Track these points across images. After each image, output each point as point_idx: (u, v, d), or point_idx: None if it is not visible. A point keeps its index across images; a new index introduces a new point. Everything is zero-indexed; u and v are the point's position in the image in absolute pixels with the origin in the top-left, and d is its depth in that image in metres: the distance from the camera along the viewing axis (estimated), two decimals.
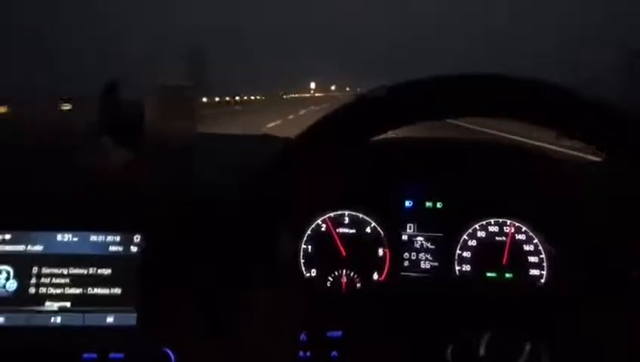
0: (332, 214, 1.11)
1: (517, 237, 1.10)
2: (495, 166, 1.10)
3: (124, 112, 1.18)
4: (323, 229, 1.10)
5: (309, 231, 1.10)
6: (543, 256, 1.09)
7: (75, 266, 0.91)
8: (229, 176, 1.07)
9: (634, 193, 0.92)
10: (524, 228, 1.10)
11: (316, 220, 1.10)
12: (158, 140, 1.26)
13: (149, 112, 1.26)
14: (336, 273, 1.09)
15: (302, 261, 1.09)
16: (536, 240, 1.10)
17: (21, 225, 0.90)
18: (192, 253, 0.94)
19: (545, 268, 1.09)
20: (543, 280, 1.09)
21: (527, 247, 1.10)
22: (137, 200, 0.96)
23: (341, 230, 1.11)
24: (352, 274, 1.09)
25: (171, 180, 1.03)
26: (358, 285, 1.08)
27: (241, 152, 1.34)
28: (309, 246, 1.10)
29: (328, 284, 1.08)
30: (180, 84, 1.33)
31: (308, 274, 1.09)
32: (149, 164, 0.97)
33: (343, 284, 1.08)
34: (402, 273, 1.10)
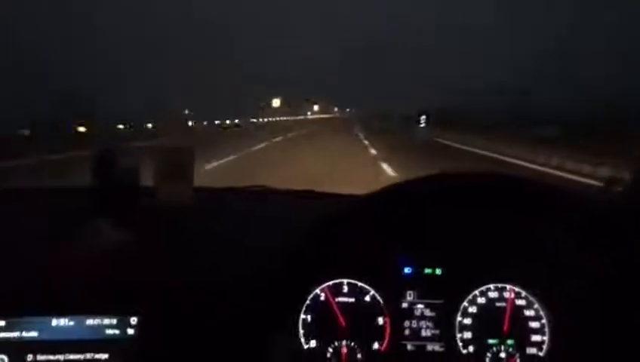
0: (331, 283, 1.10)
1: (517, 303, 1.09)
2: (494, 231, 1.09)
3: (118, 180, 1.18)
4: (322, 299, 1.09)
5: (307, 301, 1.08)
6: (544, 321, 1.08)
7: (71, 352, 0.90)
8: (230, 257, 1.08)
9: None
10: (524, 294, 1.09)
11: (315, 290, 1.09)
12: (154, 206, 1.26)
13: (146, 177, 1.26)
14: (336, 343, 1.07)
15: (301, 331, 1.08)
16: (536, 306, 1.09)
17: (15, 311, 0.90)
18: (189, 335, 0.93)
19: (547, 334, 1.07)
20: (545, 346, 1.07)
21: (527, 313, 1.09)
22: (133, 282, 0.95)
23: (340, 299, 1.10)
24: (352, 344, 1.07)
25: (167, 262, 1.02)
26: (359, 356, 1.06)
27: (241, 216, 1.34)
28: (308, 317, 1.08)
29: (328, 355, 1.07)
30: (178, 146, 1.33)
31: (307, 346, 1.07)
32: (145, 245, 0.97)
33: (344, 355, 1.06)
34: (403, 342, 1.08)
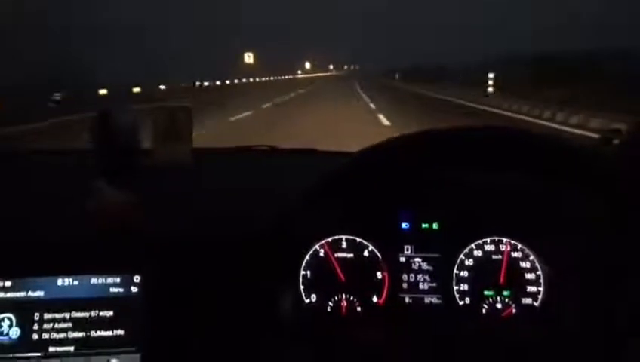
0: (330, 239, 1.12)
1: (513, 255, 1.11)
2: (490, 185, 1.10)
3: (119, 140, 1.18)
4: (321, 254, 1.11)
5: (307, 257, 1.10)
6: (539, 272, 1.10)
7: (77, 310, 0.92)
8: (231, 215, 1.09)
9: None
10: (519, 246, 1.11)
11: (314, 246, 1.11)
12: (154, 165, 1.27)
13: (145, 136, 1.26)
14: (336, 297, 1.10)
15: (301, 287, 1.10)
16: (532, 258, 1.11)
17: (21, 271, 0.91)
18: (193, 291, 0.95)
19: (542, 285, 1.10)
20: (540, 297, 1.10)
21: (523, 264, 1.11)
22: (135, 241, 0.97)
23: (339, 254, 1.11)
24: (351, 297, 1.10)
25: (169, 219, 1.03)
26: (358, 309, 1.09)
27: (240, 174, 1.35)
28: (308, 272, 1.11)
29: (329, 309, 1.09)
30: (176, 105, 1.34)
31: (308, 300, 1.10)
32: (145, 204, 0.98)
33: (343, 308, 1.09)
34: (401, 294, 1.11)
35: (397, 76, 55.31)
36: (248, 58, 43.18)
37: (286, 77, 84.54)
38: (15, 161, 1.45)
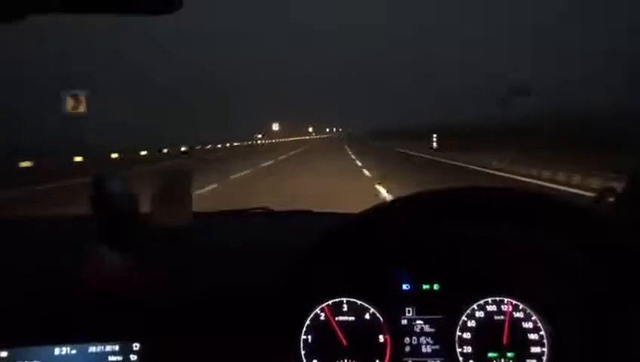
0: (330, 302, 1.10)
1: (515, 316, 1.11)
2: (490, 244, 1.11)
3: (116, 206, 1.17)
4: (322, 318, 1.10)
5: (308, 321, 1.09)
6: (542, 332, 1.10)
7: None
8: (230, 280, 1.08)
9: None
10: (521, 306, 1.11)
11: (315, 309, 1.10)
12: (154, 229, 1.25)
13: (144, 201, 1.26)
14: None
15: (303, 352, 1.08)
16: (534, 317, 1.11)
17: (18, 341, 0.88)
18: (192, 358, 0.93)
19: (546, 345, 1.09)
20: (544, 358, 1.09)
21: (526, 325, 1.11)
22: (134, 307, 0.95)
23: (340, 318, 1.10)
24: None
25: (167, 287, 1.02)
26: None
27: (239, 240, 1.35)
28: (309, 337, 1.09)
29: None
30: (176, 169, 1.35)
31: None
32: (145, 268, 0.96)
33: None
34: (404, 358, 1.09)
35: (434, 142, 29.28)
36: (74, 104, 21.56)
37: (227, 145, 49.25)
38: (12, 227, 1.43)
